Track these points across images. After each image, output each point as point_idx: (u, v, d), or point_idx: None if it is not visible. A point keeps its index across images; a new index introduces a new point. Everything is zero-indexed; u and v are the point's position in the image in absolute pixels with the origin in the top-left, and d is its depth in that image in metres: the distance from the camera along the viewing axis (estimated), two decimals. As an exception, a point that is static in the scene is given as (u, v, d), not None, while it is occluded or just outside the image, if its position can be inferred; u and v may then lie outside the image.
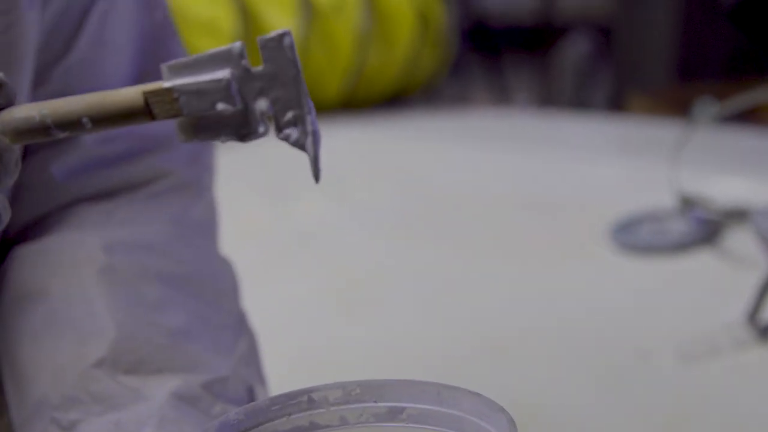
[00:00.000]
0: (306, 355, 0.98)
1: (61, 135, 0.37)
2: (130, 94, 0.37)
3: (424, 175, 1.51)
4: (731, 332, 0.95)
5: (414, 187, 1.46)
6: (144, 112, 0.37)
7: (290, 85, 0.37)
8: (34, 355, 0.53)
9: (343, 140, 1.57)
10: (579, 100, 2.70)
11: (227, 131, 0.38)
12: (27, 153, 0.57)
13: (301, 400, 0.43)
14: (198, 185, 0.62)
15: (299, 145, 0.38)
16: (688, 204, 1.19)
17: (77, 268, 0.55)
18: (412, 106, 2.18)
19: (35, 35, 0.53)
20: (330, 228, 1.34)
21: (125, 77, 0.59)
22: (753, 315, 0.95)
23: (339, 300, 1.11)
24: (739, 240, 1.14)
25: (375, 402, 0.43)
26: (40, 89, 0.55)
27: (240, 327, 0.59)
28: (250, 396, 0.56)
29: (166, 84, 0.37)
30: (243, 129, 0.38)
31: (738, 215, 1.18)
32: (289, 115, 0.38)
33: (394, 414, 0.43)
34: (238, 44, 0.37)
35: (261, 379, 0.58)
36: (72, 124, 0.37)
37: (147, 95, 0.37)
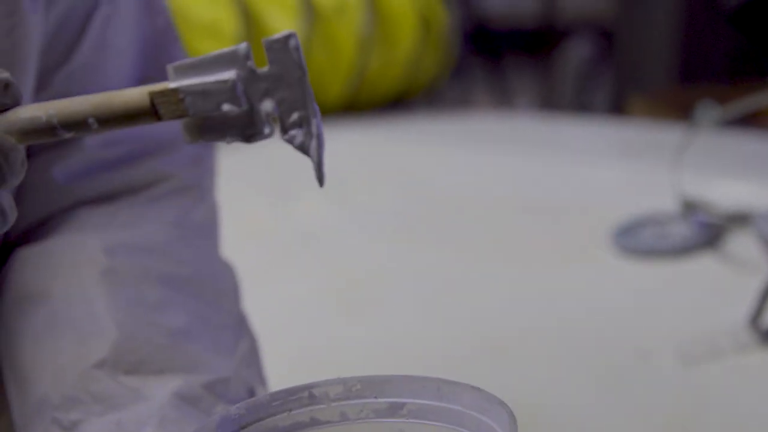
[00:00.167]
0: (306, 355, 0.98)
1: (67, 135, 0.37)
2: (136, 94, 0.37)
3: (425, 177, 1.51)
4: (733, 335, 0.95)
5: (415, 190, 1.46)
6: (150, 112, 0.37)
7: (296, 87, 0.37)
8: (36, 355, 0.54)
9: (345, 143, 1.57)
10: (580, 103, 2.70)
11: (233, 132, 0.38)
12: (29, 155, 0.57)
13: (302, 395, 0.43)
14: (199, 188, 0.62)
15: (304, 149, 0.38)
16: (690, 208, 1.19)
17: (78, 269, 0.55)
18: (413, 109, 2.18)
19: (38, 38, 0.53)
20: (331, 229, 1.34)
21: (127, 82, 0.59)
22: (755, 318, 0.95)
23: (339, 300, 1.12)
24: (741, 244, 1.14)
25: (375, 398, 0.43)
26: (41, 93, 0.56)
27: (240, 328, 0.59)
28: (251, 397, 0.56)
29: (171, 84, 0.37)
30: (248, 130, 0.38)
31: (740, 219, 1.18)
32: (295, 116, 0.38)
33: (394, 410, 0.43)
34: (243, 45, 0.37)
35: (262, 380, 0.59)
36: (78, 125, 0.37)
37: (153, 96, 0.37)
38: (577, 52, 2.76)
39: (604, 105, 2.68)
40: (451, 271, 1.18)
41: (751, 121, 1.56)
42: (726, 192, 1.26)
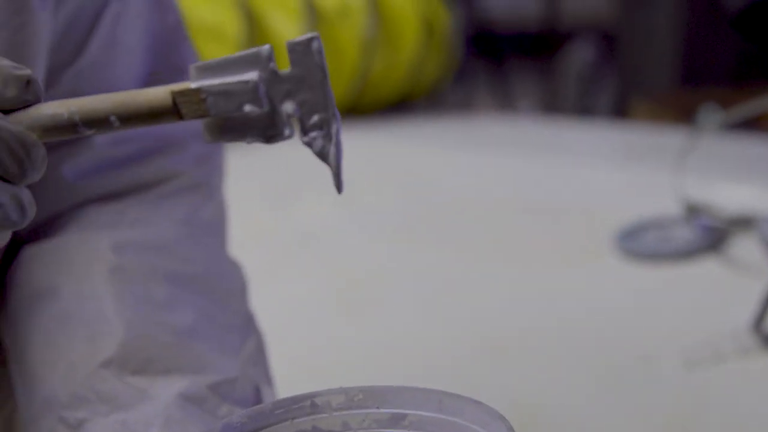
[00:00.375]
0: (307, 355, 0.99)
1: (88, 133, 0.37)
2: (159, 93, 0.37)
3: (427, 179, 1.51)
4: (736, 339, 0.95)
5: (417, 192, 1.46)
6: (172, 111, 0.37)
7: (317, 89, 0.38)
8: (44, 353, 0.54)
9: (348, 145, 1.56)
10: (583, 107, 2.70)
11: (253, 132, 0.38)
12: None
13: (305, 404, 0.44)
14: (208, 186, 0.62)
15: (323, 155, 0.38)
16: (693, 211, 1.19)
17: (87, 267, 0.55)
18: (416, 112, 2.18)
19: (48, 36, 0.53)
20: (333, 230, 1.34)
21: (136, 80, 0.59)
22: (758, 322, 0.95)
23: (340, 301, 1.12)
24: (745, 247, 1.14)
25: (377, 408, 0.43)
26: (50, 91, 0.55)
27: (248, 326, 0.59)
28: (257, 396, 0.56)
29: (193, 84, 0.37)
30: (269, 131, 0.38)
31: (743, 222, 1.18)
32: (315, 118, 0.38)
33: (396, 420, 0.43)
34: (266, 47, 0.37)
35: (268, 379, 0.59)
36: (100, 122, 0.37)
37: (175, 95, 0.37)
38: (579, 56, 2.76)
39: (606, 108, 2.68)
40: (451, 272, 1.19)
41: (754, 124, 1.56)
42: (729, 195, 1.27)
